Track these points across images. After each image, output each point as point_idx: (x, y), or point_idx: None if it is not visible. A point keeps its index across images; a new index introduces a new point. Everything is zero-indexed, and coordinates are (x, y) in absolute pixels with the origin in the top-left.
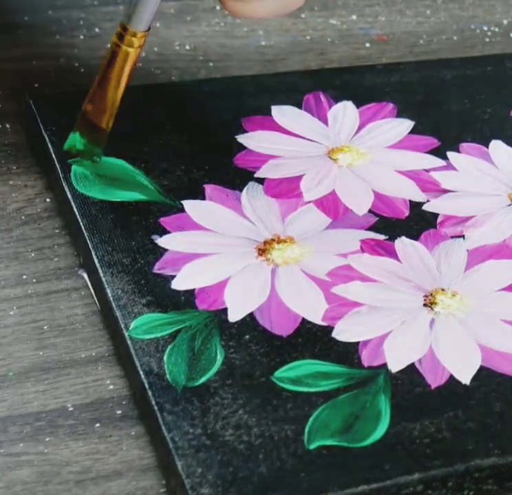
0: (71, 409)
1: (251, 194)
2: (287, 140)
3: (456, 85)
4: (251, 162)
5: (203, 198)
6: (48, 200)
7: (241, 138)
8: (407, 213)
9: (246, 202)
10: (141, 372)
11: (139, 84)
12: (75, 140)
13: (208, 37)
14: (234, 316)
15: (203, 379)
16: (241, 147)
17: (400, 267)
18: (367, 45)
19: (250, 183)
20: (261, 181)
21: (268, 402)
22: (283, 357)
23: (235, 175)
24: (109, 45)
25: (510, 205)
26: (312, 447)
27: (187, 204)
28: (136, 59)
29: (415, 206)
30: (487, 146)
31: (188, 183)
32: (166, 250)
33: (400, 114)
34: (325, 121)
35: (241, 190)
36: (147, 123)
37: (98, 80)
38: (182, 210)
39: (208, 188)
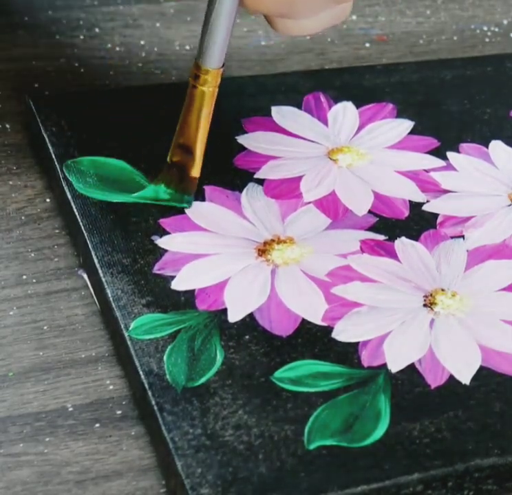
0: (71, 409)
1: (251, 195)
2: (287, 141)
3: (456, 85)
4: (251, 163)
5: (203, 199)
6: (48, 200)
7: (241, 139)
8: (406, 213)
9: (245, 203)
10: (141, 373)
11: (139, 84)
12: (157, 192)
13: None
14: (234, 316)
15: (203, 380)
16: (241, 148)
17: (400, 267)
18: (367, 45)
19: (250, 184)
20: (261, 181)
21: (267, 402)
22: (283, 358)
23: (235, 176)
24: (108, 46)
25: (510, 205)
26: (311, 447)
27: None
28: (214, 99)
29: (415, 206)
30: (487, 147)
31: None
32: (166, 251)
33: (400, 114)
34: (325, 121)
35: (241, 191)
36: (147, 123)
37: (180, 128)
38: (181, 211)
39: (208, 189)
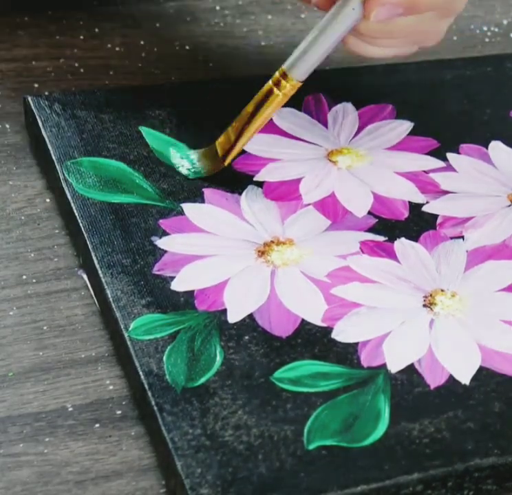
0: (70, 409)
1: (250, 198)
2: (286, 143)
3: (456, 86)
4: (250, 165)
5: (202, 201)
6: (48, 200)
7: None
8: (406, 214)
9: (245, 205)
10: (141, 373)
11: (139, 84)
12: (188, 156)
13: (208, 37)
14: (233, 317)
15: (202, 380)
16: (241, 151)
17: (399, 268)
18: None
19: (250, 187)
20: (260, 184)
21: (267, 402)
22: (283, 358)
23: (234, 179)
24: (108, 46)
25: (509, 205)
26: (311, 447)
27: (187, 207)
28: (279, 108)
29: (414, 207)
30: (487, 147)
31: (188, 186)
32: (165, 252)
33: (399, 115)
34: (324, 123)
35: (240, 194)
36: (147, 124)
37: (242, 119)
38: (181, 213)
39: (208, 192)
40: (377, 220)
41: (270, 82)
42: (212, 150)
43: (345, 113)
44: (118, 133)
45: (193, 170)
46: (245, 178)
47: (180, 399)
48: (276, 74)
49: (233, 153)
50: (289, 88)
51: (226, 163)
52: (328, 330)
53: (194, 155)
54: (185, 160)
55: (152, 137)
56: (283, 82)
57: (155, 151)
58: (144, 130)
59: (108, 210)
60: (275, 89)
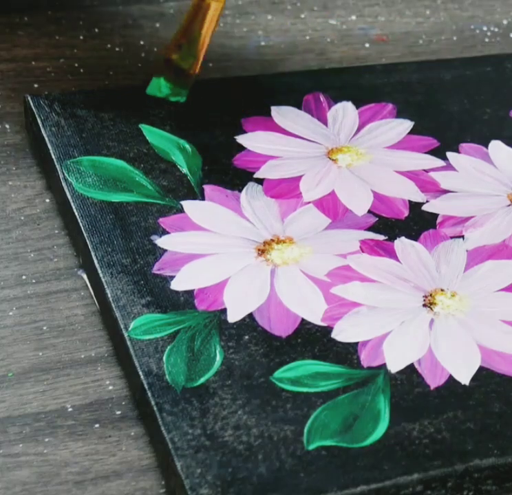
0: (70, 409)
1: (251, 195)
2: (286, 141)
3: (456, 85)
4: (250, 163)
5: (202, 198)
6: (48, 200)
7: (240, 139)
8: (406, 213)
9: (245, 202)
10: (140, 373)
11: (139, 84)
12: (159, 85)
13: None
14: (233, 317)
15: (202, 380)
16: (241, 147)
17: (399, 267)
18: (367, 45)
19: (250, 184)
20: (260, 181)
21: (267, 403)
22: (283, 358)
23: (234, 176)
24: (108, 46)
25: (509, 205)
26: (311, 447)
27: (186, 205)
28: (221, 11)
29: (414, 206)
30: (487, 147)
31: (188, 184)
32: (165, 251)
33: (399, 114)
34: (324, 121)
35: (240, 191)
36: (147, 122)
37: (182, 31)
38: (181, 210)
39: (208, 189)
40: (377, 219)
41: None
42: (170, 69)
43: (345, 112)
44: (117, 131)
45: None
46: (245, 175)
47: (180, 399)
48: None
49: (199, 62)
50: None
51: (197, 70)
52: (328, 329)
53: (159, 78)
54: (160, 86)
55: (152, 134)
56: None
57: (155, 148)
58: (144, 128)
59: (108, 210)
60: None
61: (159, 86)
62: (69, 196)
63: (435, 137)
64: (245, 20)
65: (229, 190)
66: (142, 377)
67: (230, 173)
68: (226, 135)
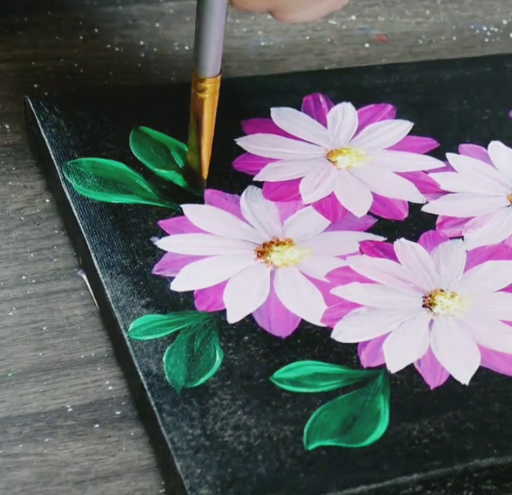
0: (70, 410)
1: (250, 198)
2: (286, 143)
3: (455, 86)
4: (250, 165)
5: (202, 201)
6: (47, 201)
7: (240, 141)
8: (406, 214)
9: (244, 205)
10: (140, 373)
11: (138, 84)
12: (175, 178)
13: None
14: (233, 317)
15: (202, 380)
16: (240, 150)
17: (399, 268)
18: (367, 45)
19: (249, 187)
20: (260, 184)
21: (267, 403)
22: (282, 358)
23: (234, 179)
24: (108, 46)
25: (509, 206)
26: (311, 447)
27: (186, 208)
28: (214, 106)
29: (414, 208)
30: (486, 147)
31: (187, 187)
32: (165, 252)
33: (399, 115)
34: (324, 123)
35: (240, 194)
36: (146, 125)
37: (189, 133)
38: (180, 213)
39: (207, 192)
40: (377, 220)
41: (192, 89)
42: (187, 169)
43: (344, 113)
44: (117, 133)
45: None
46: (244, 178)
47: (180, 399)
48: (193, 80)
49: (205, 166)
50: (210, 87)
51: (205, 176)
52: (328, 330)
53: (178, 176)
54: (175, 179)
55: (152, 136)
56: (201, 84)
57: (155, 150)
58: (144, 130)
59: (107, 211)
60: (199, 94)
61: (174, 179)
62: (68, 197)
63: (434, 138)
64: (245, 20)
65: (228, 194)
66: (141, 377)
67: (229, 176)
68: (225, 137)
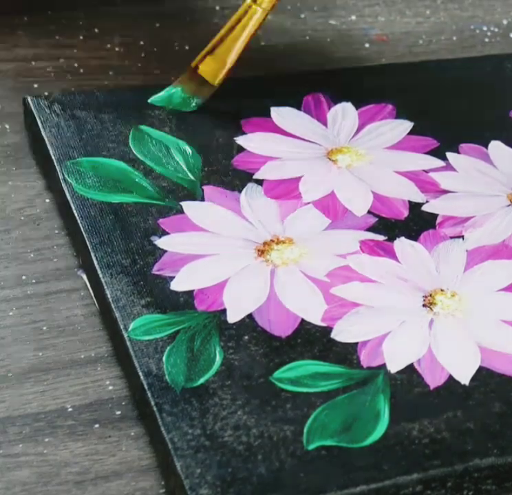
0: (70, 410)
1: (250, 196)
2: (286, 142)
3: (455, 86)
4: (250, 164)
5: (202, 199)
6: (47, 201)
7: (240, 140)
8: (406, 214)
9: (245, 203)
10: (140, 373)
11: (139, 84)
12: (171, 94)
13: (208, 37)
14: (233, 317)
15: (202, 380)
16: (240, 149)
17: (399, 267)
18: (367, 45)
19: (249, 184)
20: (260, 182)
21: (267, 403)
22: (283, 358)
23: (234, 177)
24: (108, 46)
25: (509, 205)
26: (311, 447)
27: (186, 205)
28: (263, 21)
29: (414, 207)
30: (486, 147)
31: (187, 185)
32: (165, 251)
33: (399, 115)
34: (324, 122)
35: (240, 192)
36: (146, 123)
37: (219, 40)
38: (181, 211)
39: (207, 189)
40: (377, 219)
41: (248, 1)
42: (191, 79)
43: (344, 113)
44: (117, 132)
45: (190, 102)
46: (245, 176)
47: (180, 399)
48: None
49: (224, 73)
50: (267, 2)
51: (217, 83)
52: (328, 330)
53: (176, 88)
54: (172, 97)
55: (152, 135)
56: None
57: (155, 149)
58: (144, 129)
59: (107, 210)
60: (254, 5)
61: (170, 97)
62: (68, 197)
63: (435, 138)
64: None
65: (229, 191)
66: (141, 377)
67: (229, 174)
68: (226, 136)
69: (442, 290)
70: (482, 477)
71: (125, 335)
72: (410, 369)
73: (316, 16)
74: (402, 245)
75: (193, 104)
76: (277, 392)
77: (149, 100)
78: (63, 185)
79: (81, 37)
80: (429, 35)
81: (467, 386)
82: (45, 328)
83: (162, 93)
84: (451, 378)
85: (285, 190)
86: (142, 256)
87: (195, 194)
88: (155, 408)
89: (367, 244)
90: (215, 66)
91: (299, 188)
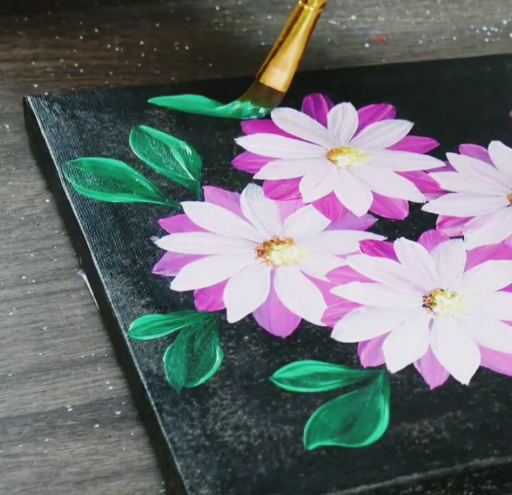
0: (70, 410)
1: (250, 196)
2: (286, 142)
3: (455, 86)
4: (250, 164)
5: (202, 199)
6: (47, 201)
7: (240, 140)
8: (406, 214)
9: (245, 203)
10: (140, 373)
11: (139, 84)
12: (242, 108)
13: (208, 37)
14: (233, 317)
15: (202, 380)
16: (240, 149)
17: (399, 267)
18: (367, 45)
19: (250, 185)
20: (260, 182)
21: (267, 403)
22: (283, 358)
23: (234, 177)
24: (108, 46)
25: (509, 205)
26: (311, 447)
27: (186, 205)
28: (317, 20)
29: (414, 207)
30: (486, 147)
31: (187, 185)
32: (165, 251)
33: (399, 115)
34: (324, 122)
35: (240, 192)
36: (147, 123)
37: (280, 50)
38: (181, 211)
39: (208, 190)
40: (377, 219)
41: (300, 2)
42: (259, 90)
43: (344, 113)
44: (117, 132)
45: (260, 110)
46: (245, 176)
47: (180, 399)
48: None
49: (290, 78)
50: (317, 1)
51: (286, 89)
52: (328, 330)
53: (244, 102)
54: (242, 111)
55: (152, 135)
56: None
57: (155, 149)
58: (144, 129)
59: (107, 210)
60: (305, 6)
61: (240, 111)
62: (69, 197)
63: (434, 138)
64: (245, 20)
65: (229, 191)
66: (141, 377)
67: (230, 174)
68: (226, 136)
69: (442, 290)
70: (482, 477)
71: (125, 335)
72: (410, 369)
73: None
74: (402, 245)
75: (261, 110)
76: (277, 392)
77: (216, 110)
78: (63, 185)
79: (81, 37)
80: (429, 35)
81: (467, 386)
82: (45, 328)
83: (228, 106)
84: (451, 378)
85: (285, 191)
86: (142, 256)
87: (195, 195)
88: (155, 408)
89: (367, 244)
90: (279, 72)
91: (298, 188)
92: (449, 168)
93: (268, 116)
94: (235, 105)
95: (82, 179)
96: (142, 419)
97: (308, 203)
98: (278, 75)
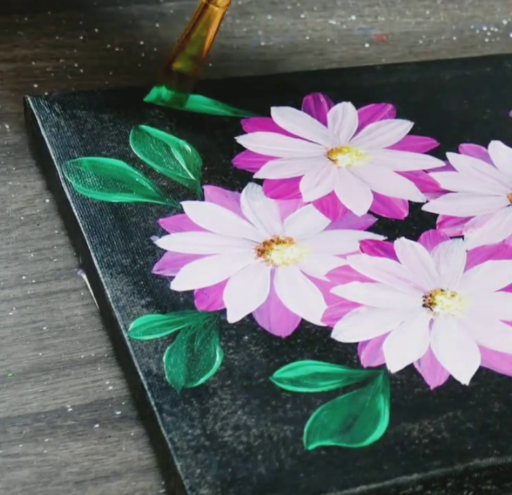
0: (70, 410)
1: (250, 195)
2: (286, 141)
3: (455, 86)
4: (250, 163)
5: (202, 199)
6: (47, 201)
7: (240, 139)
8: (406, 214)
9: (245, 203)
10: (140, 373)
11: (139, 84)
12: (160, 93)
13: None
14: (233, 317)
15: (202, 380)
16: (241, 148)
17: (399, 267)
18: (367, 45)
19: (250, 184)
20: (260, 182)
21: (267, 403)
22: (283, 358)
23: (234, 176)
24: (108, 46)
25: (509, 205)
26: (311, 447)
27: (186, 205)
28: (222, 18)
29: (414, 207)
30: (486, 147)
31: (188, 184)
32: (165, 251)
33: (399, 115)
34: (324, 122)
35: (240, 191)
36: (147, 123)
37: (187, 40)
38: (181, 211)
39: (208, 189)
40: (377, 219)
41: (204, 1)
42: (170, 76)
43: (344, 113)
44: (117, 131)
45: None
46: (245, 175)
47: (180, 399)
48: None
49: (198, 65)
50: (222, 1)
51: (194, 75)
52: (328, 330)
53: (160, 88)
54: (161, 95)
55: (152, 134)
56: None
57: (155, 149)
58: (144, 128)
59: (107, 210)
60: (212, 6)
61: (159, 95)
62: (69, 197)
63: (435, 138)
64: (245, 20)
65: (229, 191)
66: (141, 377)
67: (230, 174)
68: (226, 135)
69: (442, 290)
70: (482, 477)
71: (125, 335)
72: (410, 369)
73: (316, 16)
74: (402, 245)
75: (183, 100)
76: (277, 392)
77: (145, 99)
78: (63, 184)
79: (81, 37)
80: (429, 35)
81: (467, 386)
82: (45, 328)
83: (151, 93)
84: (451, 378)
85: (285, 190)
86: (142, 256)
87: (195, 194)
88: (155, 408)
89: (367, 244)
90: (188, 61)
91: (299, 187)
92: (449, 167)
93: (268, 114)
94: (154, 91)
95: (82, 178)
96: (142, 419)
97: (308, 203)
98: (186, 63)
